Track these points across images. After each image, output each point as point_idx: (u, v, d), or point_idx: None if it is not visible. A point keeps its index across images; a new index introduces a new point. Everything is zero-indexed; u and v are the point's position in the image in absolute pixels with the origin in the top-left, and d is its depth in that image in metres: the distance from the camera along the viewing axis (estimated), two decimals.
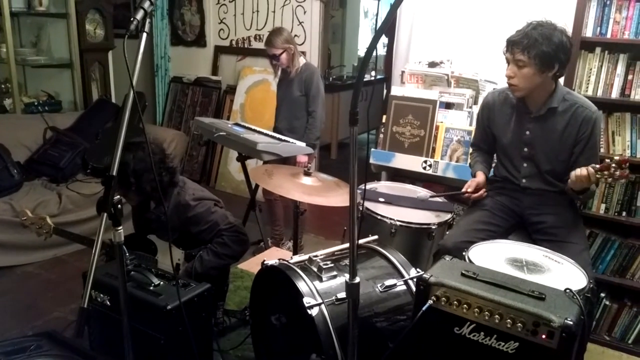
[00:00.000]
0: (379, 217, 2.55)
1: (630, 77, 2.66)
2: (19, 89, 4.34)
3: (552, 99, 2.29)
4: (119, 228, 1.45)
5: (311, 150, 3.27)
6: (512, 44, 2.24)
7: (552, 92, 2.30)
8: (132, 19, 1.42)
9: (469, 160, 2.92)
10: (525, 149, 2.40)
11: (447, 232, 2.53)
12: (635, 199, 2.70)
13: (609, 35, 2.68)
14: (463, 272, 1.74)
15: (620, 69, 2.68)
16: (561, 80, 2.37)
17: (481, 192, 2.52)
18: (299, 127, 3.57)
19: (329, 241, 4.06)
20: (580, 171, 2.10)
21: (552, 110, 2.30)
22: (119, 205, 1.42)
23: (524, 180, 2.43)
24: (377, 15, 8.72)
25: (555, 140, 2.32)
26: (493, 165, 2.66)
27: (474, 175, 2.58)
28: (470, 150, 2.89)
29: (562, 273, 1.93)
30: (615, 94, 2.71)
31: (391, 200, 2.77)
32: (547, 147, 2.35)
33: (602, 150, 2.70)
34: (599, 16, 2.68)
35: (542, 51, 2.16)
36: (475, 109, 3.10)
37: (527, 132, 2.38)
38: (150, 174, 2.32)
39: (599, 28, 2.69)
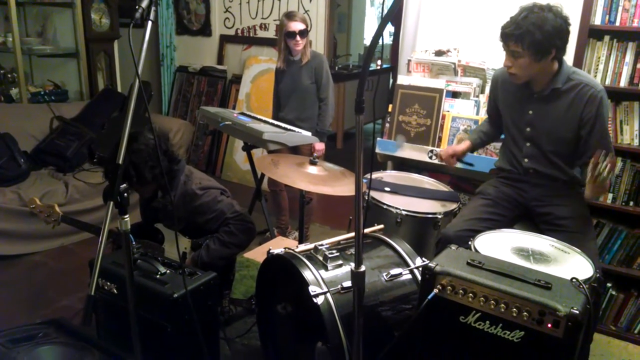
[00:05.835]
0: (384, 207, 2.54)
1: (639, 65, 2.63)
2: (25, 79, 4.35)
3: (556, 80, 2.24)
4: (126, 217, 1.45)
5: (317, 139, 3.27)
6: (505, 36, 2.19)
7: (556, 73, 2.25)
8: (137, 7, 1.42)
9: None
10: (528, 129, 2.38)
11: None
12: None
13: (617, 23, 2.65)
14: (469, 261, 1.74)
15: (629, 57, 2.65)
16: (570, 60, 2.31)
17: (452, 160, 2.63)
18: (310, 115, 3.55)
19: (334, 231, 4.07)
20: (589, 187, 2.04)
21: (556, 90, 2.26)
22: (125, 194, 1.42)
23: (525, 160, 2.41)
24: (383, 3, 8.67)
25: (558, 119, 2.28)
26: (498, 154, 2.64)
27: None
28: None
29: (569, 263, 1.93)
30: (623, 82, 2.68)
31: (397, 189, 2.77)
32: (549, 128, 2.31)
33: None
34: (608, 4, 2.65)
35: (536, 40, 2.11)
36: (482, 98, 3.08)
37: (530, 112, 2.35)
38: (148, 163, 2.33)
39: (607, 16, 2.66)
